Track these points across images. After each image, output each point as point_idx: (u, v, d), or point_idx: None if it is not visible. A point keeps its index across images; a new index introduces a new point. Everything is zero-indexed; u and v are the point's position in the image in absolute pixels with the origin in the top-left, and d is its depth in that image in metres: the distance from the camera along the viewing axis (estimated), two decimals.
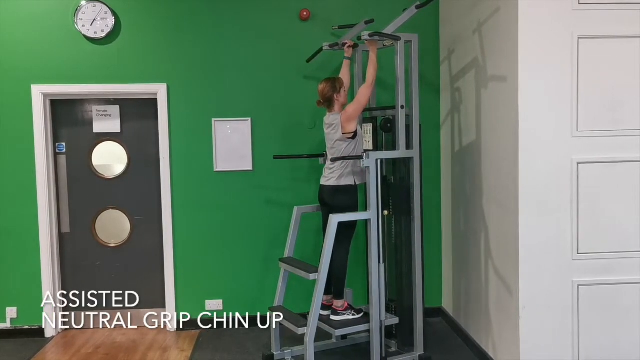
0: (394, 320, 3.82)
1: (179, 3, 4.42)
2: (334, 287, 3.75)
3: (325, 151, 3.87)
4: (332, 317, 3.72)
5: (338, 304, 3.74)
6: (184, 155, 4.50)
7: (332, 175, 3.69)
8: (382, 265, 3.60)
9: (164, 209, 4.52)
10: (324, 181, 3.78)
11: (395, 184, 3.92)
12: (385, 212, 3.85)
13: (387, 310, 3.94)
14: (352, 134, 3.63)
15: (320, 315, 3.62)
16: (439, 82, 4.68)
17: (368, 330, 3.68)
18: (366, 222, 3.66)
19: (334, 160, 3.63)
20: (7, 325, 4.45)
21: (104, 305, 4.60)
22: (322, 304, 3.65)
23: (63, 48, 4.36)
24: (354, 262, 4.25)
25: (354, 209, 3.71)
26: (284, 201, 4.55)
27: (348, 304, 3.79)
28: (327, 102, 3.71)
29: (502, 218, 3.52)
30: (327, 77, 3.84)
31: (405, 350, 3.91)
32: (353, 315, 3.74)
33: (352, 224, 3.73)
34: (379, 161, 3.59)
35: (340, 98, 3.70)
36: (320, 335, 3.74)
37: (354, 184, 3.69)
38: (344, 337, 4.14)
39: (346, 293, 3.83)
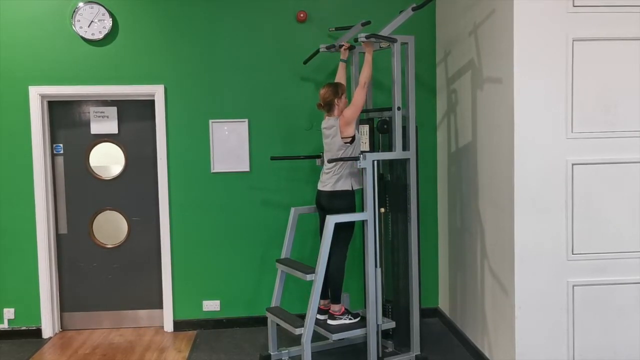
0: (391, 324, 3.84)
1: (176, 5, 4.43)
2: (331, 292, 3.76)
3: (322, 153, 3.88)
4: (329, 322, 3.73)
5: (335, 308, 3.75)
6: (181, 156, 4.51)
7: (329, 181, 3.69)
8: (378, 269, 3.61)
9: (161, 210, 4.53)
10: (321, 186, 3.79)
11: (392, 183, 3.93)
12: (382, 210, 3.85)
13: (384, 312, 3.95)
14: (351, 138, 3.64)
15: (317, 319, 3.64)
16: (435, 84, 4.70)
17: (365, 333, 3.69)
18: (363, 223, 3.67)
19: (330, 161, 3.64)
20: (4, 326, 4.45)
21: (102, 306, 4.63)
22: (319, 309, 3.66)
23: (60, 49, 4.36)
24: (350, 265, 4.27)
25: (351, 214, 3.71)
26: (281, 202, 4.56)
27: (345, 309, 3.80)
28: (327, 106, 3.72)
29: (497, 219, 3.54)
30: (328, 81, 3.86)
31: (402, 351, 3.93)
32: (350, 319, 3.76)
33: (349, 227, 3.74)
34: (375, 162, 3.60)
35: (340, 103, 3.70)
36: (317, 335, 3.75)
37: (351, 189, 3.70)
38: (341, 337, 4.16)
39: (343, 297, 3.84)
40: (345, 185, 3.68)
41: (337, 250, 3.66)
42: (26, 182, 4.40)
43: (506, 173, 3.36)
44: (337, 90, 3.71)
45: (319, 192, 3.81)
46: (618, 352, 3.35)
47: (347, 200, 3.69)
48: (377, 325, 3.64)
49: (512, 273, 3.32)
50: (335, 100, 3.69)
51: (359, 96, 3.63)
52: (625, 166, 3.27)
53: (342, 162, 3.65)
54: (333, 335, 3.62)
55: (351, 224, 3.74)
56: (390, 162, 3.93)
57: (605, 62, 3.23)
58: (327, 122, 3.74)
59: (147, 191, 4.61)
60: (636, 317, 3.34)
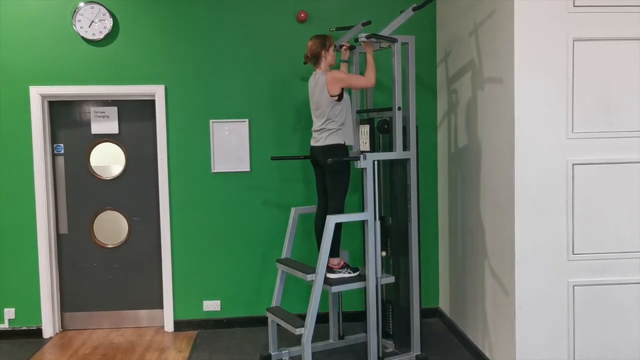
0: (390, 279, 3.79)
1: (176, 5, 4.43)
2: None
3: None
4: (328, 275, 3.64)
5: (334, 261, 3.69)
6: (182, 156, 4.52)
7: (321, 136, 3.67)
8: (377, 222, 3.59)
9: (162, 210, 4.53)
10: (313, 142, 3.77)
11: (394, 188, 3.93)
12: (383, 253, 3.79)
13: (384, 313, 3.96)
14: (338, 96, 3.60)
15: None
16: (436, 84, 4.70)
17: (364, 289, 3.64)
18: (364, 224, 3.67)
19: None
20: (5, 326, 4.45)
21: (102, 306, 4.64)
22: None
23: (61, 49, 4.37)
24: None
25: (346, 168, 3.68)
26: (281, 202, 4.57)
27: (344, 262, 3.76)
28: (315, 59, 3.70)
29: (498, 219, 3.54)
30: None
31: (402, 351, 3.93)
32: (349, 273, 3.71)
33: (345, 172, 3.68)
34: (376, 162, 3.61)
35: (327, 56, 3.68)
36: (317, 335, 3.75)
37: (343, 142, 3.67)
38: (341, 337, 4.16)
39: (343, 254, 3.81)
40: (336, 139, 3.64)
41: (333, 198, 3.61)
42: (27, 182, 4.40)
43: (506, 173, 3.36)
44: (324, 42, 3.68)
45: (312, 147, 3.78)
46: (618, 352, 3.35)
47: (340, 154, 3.64)
48: (377, 279, 3.60)
49: (512, 273, 3.32)
50: (323, 52, 3.67)
51: (358, 81, 3.65)
52: (625, 166, 3.28)
53: (330, 119, 3.61)
54: (332, 287, 3.57)
55: (347, 169, 3.69)
56: (391, 163, 3.92)
57: (606, 62, 3.23)
58: (313, 77, 3.71)
59: (148, 191, 4.61)
60: (636, 317, 3.34)
